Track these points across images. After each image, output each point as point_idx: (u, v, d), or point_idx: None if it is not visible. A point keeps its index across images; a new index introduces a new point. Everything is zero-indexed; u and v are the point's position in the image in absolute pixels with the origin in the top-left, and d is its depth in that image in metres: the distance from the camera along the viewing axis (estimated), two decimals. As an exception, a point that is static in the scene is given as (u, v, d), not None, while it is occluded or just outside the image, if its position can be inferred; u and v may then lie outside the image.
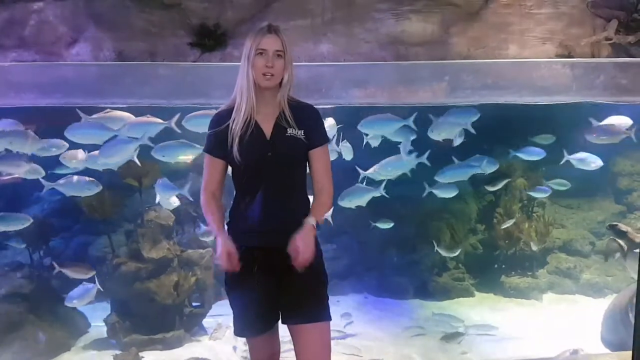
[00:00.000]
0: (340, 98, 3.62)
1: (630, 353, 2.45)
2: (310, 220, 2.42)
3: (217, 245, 2.43)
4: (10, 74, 3.51)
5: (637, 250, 4.53)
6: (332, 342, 2.58)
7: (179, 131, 4.70)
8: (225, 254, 2.39)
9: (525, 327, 5.78)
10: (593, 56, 3.70)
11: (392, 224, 6.39)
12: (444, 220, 7.29)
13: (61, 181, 5.08)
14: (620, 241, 4.85)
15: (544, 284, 6.98)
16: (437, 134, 5.16)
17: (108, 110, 4.55)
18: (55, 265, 5.38)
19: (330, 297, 2.57)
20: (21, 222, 5.19)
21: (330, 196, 2.56)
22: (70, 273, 5.39)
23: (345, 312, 6.17)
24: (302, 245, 2.34)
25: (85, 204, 5.82)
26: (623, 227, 4.75)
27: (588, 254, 7.25)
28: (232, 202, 2.54)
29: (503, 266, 7.25)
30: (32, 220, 5.24)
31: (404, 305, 6.73)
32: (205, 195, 2.54)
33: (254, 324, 2.51)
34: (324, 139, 2.55)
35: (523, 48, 3.68)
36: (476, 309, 6.49)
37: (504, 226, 7.08)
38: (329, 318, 2.53)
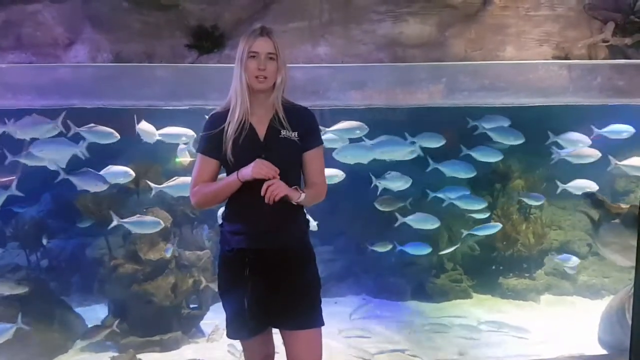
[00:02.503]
0: (337, 100, 3.62)
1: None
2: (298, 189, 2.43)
3: (246, 174, 2.36)
4: (7, 75, 3.50)
5: (616, 221, 4.37)
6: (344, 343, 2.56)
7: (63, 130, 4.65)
8: (258, 162, 2.34)
9: (524, 328, 5.78)
10: (590, 58, 3.71)
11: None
12: (441, 220, 7.27)
13: (170, 182, 5.11)
14: (594, 211, 4.69)
15: (541, 285, 6.99)
16: (342, 157, 5.24)
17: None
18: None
19: (328, 299, 2.57)
20: (153, 227, 5.21)
21: (324, 192, 2.56)
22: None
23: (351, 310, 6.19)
24: (275, 182, 2.33)
25: (81, 205, 5.80)
26: (600, 196, 4.61)
27: (585, 255, 7.25)
28: (225, 204, 2.53)
29: (501, 268, 7.26)
30: (163, 225, 5.28)
31: (403, 306, 6.73)
32: (192, 189, 2.50)
33: (247, 326, 2.50)
34: (318, 141, 2.54)
35: (520, 50, 3.68)
36: (474, 311, 6.48)
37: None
38: (321, 324, 2.53)
